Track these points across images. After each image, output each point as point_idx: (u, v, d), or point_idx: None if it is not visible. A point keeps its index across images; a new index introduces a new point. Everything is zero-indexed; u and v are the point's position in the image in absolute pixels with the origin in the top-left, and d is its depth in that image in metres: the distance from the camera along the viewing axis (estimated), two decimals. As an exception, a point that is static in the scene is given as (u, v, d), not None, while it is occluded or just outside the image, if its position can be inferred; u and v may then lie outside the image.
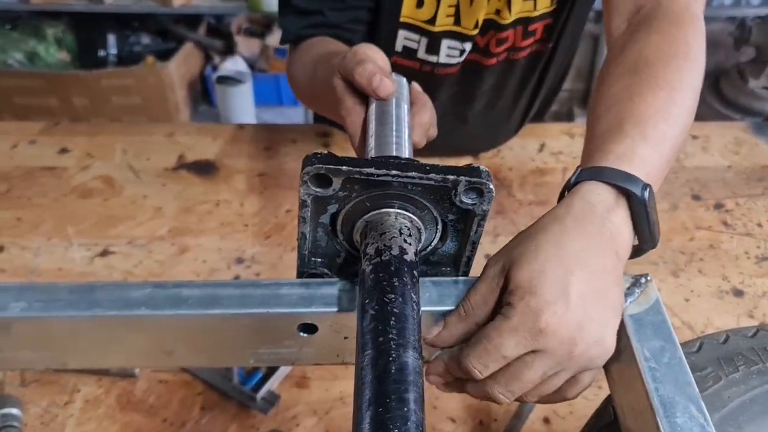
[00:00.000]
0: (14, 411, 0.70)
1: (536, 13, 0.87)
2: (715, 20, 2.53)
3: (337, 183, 0.41)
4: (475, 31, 0.86)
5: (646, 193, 0.45)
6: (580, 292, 0.41)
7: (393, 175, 0.41)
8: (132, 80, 2.65)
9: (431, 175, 0.41)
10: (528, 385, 0.42)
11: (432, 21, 0.85)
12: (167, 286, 0.45)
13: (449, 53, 0.89)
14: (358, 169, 0.40)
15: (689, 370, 0.41)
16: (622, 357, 0.44)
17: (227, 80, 2.67)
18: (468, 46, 0.88)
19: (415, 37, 0.88)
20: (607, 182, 0.46)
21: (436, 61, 0.90)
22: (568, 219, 0.44)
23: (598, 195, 0.46)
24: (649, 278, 0.46)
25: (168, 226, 0.96)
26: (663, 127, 0.51)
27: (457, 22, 0.85)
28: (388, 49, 0.87)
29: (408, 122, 0.52)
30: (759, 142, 1.15)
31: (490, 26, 0.87)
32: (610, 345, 0.43)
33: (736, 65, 2.44)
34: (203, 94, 2.98)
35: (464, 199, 0.42)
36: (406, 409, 0.31)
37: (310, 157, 0.41)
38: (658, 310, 0.45)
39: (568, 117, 2.66)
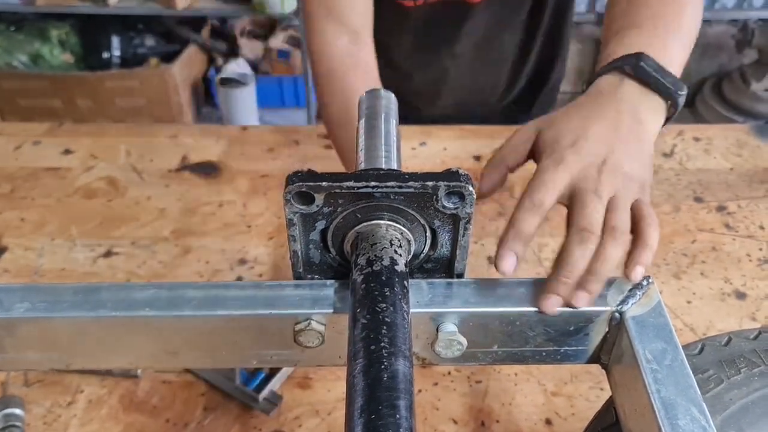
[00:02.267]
0: (17, 411, 0.70)
1: None
2: (718, 23, 2.53)
3: (319, 199, 0.42)
4: None
5: (639, 59, 0.53)
6: (596, 132, 0.50)
7: (372, 186, 0.41)
8: (136, 82, 2.66)
9: (410, 183, 0.41)
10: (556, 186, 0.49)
11: None
12: (171, 287, 0.45)
13: None
14: (338, 183, 0.41)
15: (691, 372, 0.41)
16: (623, 359, 0.44)
17: (230, 82, 2.68)
18: None
19: None
20: (605, 71, 0.55)
21: None
22: (583, 98, 0.55)
23: (604, 80, 0.55)
24: (650, 281, 0.46)
25: (171, 227, 0.97)
26: (661, 22, 0.60)
27: None
28: None
29: (396, 136, 0.53)
30: (761, 144, 1.15)
31: None
32: (640, 165, 0.50)
33: (738, 68, 2.44)
34: (206, 95, 2.99)
35: (446, 204, 0.43)
36: (398, 416, 0.32)
37: (291, 176, 0.42)
38: (659, 312, 0.45)
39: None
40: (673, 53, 0.58)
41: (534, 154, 0.52)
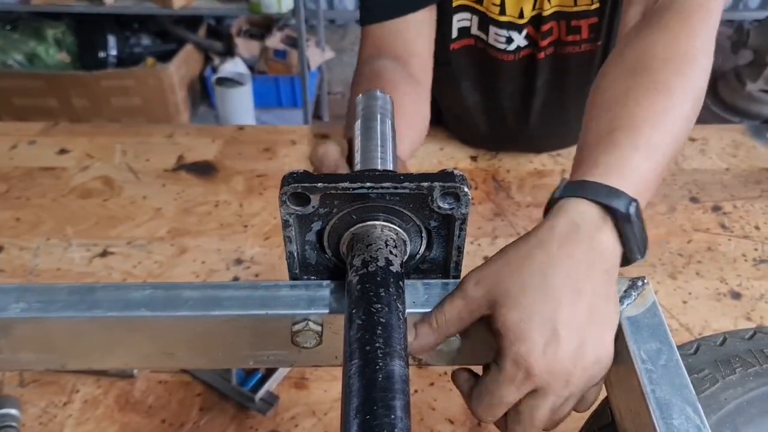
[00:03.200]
0: (13, 411, 0.70)
1: (576, 9, 0.88)
2: (714, 23, 2.53)
3: (315, 200, 0.42)
4: (522, 21, 0.89)
5: (632, 209, 0.44)
6: (570, 324, 0.41)
7: (368, 187, 0.41)
8: (132, 81, 2.65)
9: (405, 184, 0.42)
10: (542, 422, 0.43)
11: (480, 1, 0.89)
12: (167, 287, 0.45)
13: (496, 38, 0.92)
14: (333, 184, 0.41)
15: (686, 372, 0.41)
16: (619, 359, 0.44)
17: (227, 82, 2.68)
18: (516, 35, 0.91)
19: (467, 16, 0.91)
20: (591, 199, 0.45)
21: (486, 40, 0.92)
22: (553, 244, 0.43)
23: (583, 214, 0.44)
24: (646, 281, 0.46)
25: (167, 226, 0.97)
26: (658, 136, 0.50)
27: (503, 12, 0.88)
28: (446, 32, 0.90)
29: (392, 137, 0.53)
30: (756, 144, 1.15)
31: (535, 18, 0.89)
32: (607, 360, 0.43)
33: (733, 68, 2.45)
34: (203, 95, 2.98)
35: (442, 205, 0.43)
36: (393, 416, 0.32)
37: (286, 176, 0.42)
38: (654, 313, 0.45)
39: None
40: (652, 185, 0.49)
41: (491, 328, 0.43)
